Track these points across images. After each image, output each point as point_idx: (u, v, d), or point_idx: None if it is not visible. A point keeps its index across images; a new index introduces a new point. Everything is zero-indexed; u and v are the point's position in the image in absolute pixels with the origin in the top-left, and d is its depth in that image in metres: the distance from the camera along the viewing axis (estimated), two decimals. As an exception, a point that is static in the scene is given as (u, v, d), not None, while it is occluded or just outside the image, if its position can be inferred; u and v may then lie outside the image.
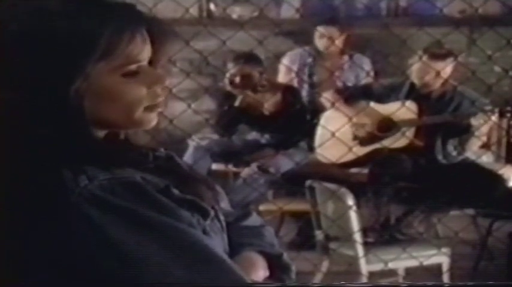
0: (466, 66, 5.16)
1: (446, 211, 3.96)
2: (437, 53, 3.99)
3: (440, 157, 3.97)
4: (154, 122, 1.11)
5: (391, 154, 4.01)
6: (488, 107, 3.83)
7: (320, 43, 4.98)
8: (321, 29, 4.96)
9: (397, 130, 4.05)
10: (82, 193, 0.98)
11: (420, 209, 3.86)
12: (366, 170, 4.15)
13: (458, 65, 4.07)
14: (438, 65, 3.92)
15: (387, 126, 4.10)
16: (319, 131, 4.28)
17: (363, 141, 4.16)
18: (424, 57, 3.97)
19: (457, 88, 4.04)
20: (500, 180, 3.94)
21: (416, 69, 4.01)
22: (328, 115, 4.30)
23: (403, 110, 3.96)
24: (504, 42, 4.76)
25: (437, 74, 3.90)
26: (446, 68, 3.91)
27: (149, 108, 1.09)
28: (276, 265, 1.20)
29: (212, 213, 1.10)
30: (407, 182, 3.94)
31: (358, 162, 4.12)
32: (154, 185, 1.04)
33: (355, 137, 4.19)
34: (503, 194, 3.84)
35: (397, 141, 4.01)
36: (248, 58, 4.47)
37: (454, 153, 3.99)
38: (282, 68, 5.15)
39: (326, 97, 4.34)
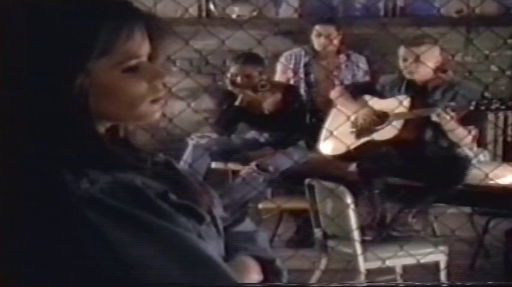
0: (463, 65, 5.20)
1: (430, 204, 3.95)
2: (414, 41, 4.03)
3: (429, 150, 3.97)
4: (158, 115, 1.12)
5: (377, 147, 4.04)
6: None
7: (317, 42, 5.00)
8: (318, 28, 4.98)
9: (388, 123, 4.09)
10: (83, 195, 0.98)
11: (415, 206, 3.87)
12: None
13: (442, 52, 4.07)
14: (415, 50, 3.93)
15: (382, 120, 4.14)
16: (329, 119, 4.32)
17: (357, 135, 4.20)
18: (403, 46, 4.02)
19: (452, 82, 4.04)
20: (460, 160, 3.93)
21: (400, 59, 4.05)
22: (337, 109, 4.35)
23: (395, 103, 4.01)
24: (501, 41, 4.80)
25: (416, 59, 3.92)
26: (425, 55, 3.89)
27: (152, 101, 1.10)
28: (269, 270, 1.22)
29: (208, 218, 1.11)
30: (403, 179, 3.96)
31: (350, 155, 4.14)
32: (153, 190, 1.05)
33: (352, 131, 4.22)
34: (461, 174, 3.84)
35: (385, 134, 4.05)
36: (249, 58, 4.49)
37: (445, 145, 4.01)
38: (278, 67, 5.18)
39: (335, 92, 4.37)
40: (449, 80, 4.05)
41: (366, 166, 3.96)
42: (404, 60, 4.02)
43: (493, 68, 5.83)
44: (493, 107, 3.71)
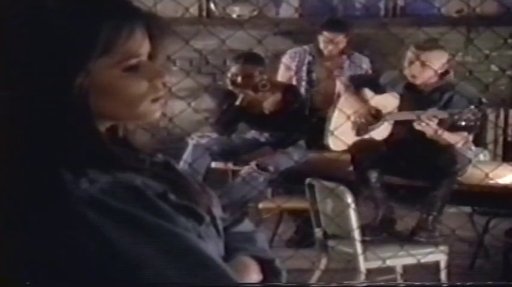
0: (464, 65, 5.20)
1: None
2: (424, 45, 3.98)
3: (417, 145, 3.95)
4: (158, 114, 1.12)
5: (372, 144, 4.04)
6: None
7: (324, 46, 4.98)
8: (327, 34, 4.96)
9: (381, 123, 4.09)
10: (82, 195, 0.98)
11: (433, 210, 3.85)
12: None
13: (451, 60, 4.03)
14: (424, 55, 3.90)
15: (377, 118, 4.14)
16: (335, 115, 4.31)
17: (358, 131, 4.20)
18: (412, 48, 3.96)
19: (451, 84, 4.00)
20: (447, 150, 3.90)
21: (406, 60, 4.00)
22: (343, 100, 4.33)
23: (388, 102, 4.00)
24: (501, 41, 4.80)
25: (423, 64, 3.88)
26: (434, 61, 3.87)
27: (153, 100, 1.10)
28: (268, 270, 1.22)
29: (207, 219, 1.12)
30: (400, 177, 3.96)
31: (349, 151, 4.15)
32: (153, 190, 1.05)
33: (353, 126, 4.22)
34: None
35: (379, 134, 4.05)
36: (249, 57, 4.48)
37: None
38: (281, 65, 5.18)
39: (341, 82, 4.36)
40: (446, 82, 3.99)
41: (360, 159, 3.96)
42: (411, 63, 3.96)
43: (494, 68, 5.84)
44: (463, 120, 3.69)
